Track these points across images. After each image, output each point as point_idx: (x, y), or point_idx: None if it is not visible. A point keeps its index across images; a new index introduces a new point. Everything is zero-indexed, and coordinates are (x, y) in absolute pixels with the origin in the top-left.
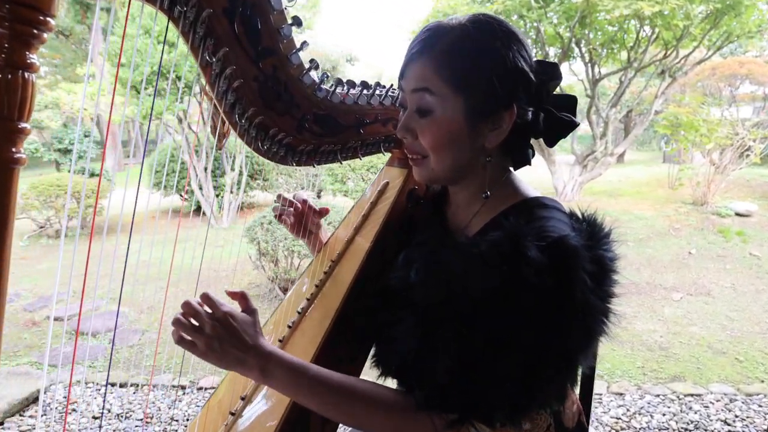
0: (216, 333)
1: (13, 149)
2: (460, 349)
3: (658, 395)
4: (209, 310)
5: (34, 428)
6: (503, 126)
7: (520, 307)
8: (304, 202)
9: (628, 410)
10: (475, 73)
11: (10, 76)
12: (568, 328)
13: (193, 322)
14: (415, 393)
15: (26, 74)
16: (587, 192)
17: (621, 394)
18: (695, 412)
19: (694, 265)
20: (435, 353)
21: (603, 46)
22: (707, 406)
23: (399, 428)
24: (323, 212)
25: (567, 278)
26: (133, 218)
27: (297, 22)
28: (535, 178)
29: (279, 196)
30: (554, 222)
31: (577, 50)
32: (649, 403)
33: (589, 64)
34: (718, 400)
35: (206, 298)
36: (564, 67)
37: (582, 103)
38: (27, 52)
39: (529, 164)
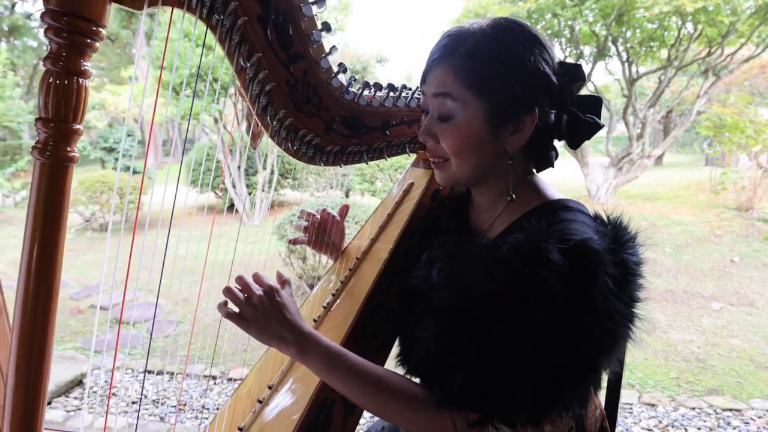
0: (262, 305)
1: (68, 148)
2: (479, 351)
3: (693, 408)
4: (258, 286)
5: (79, 409)
6: (525, 129)
7: (540, 309)
8: (324, 210)
9: (660, 422)
10: (496, 77)
11: (66, 83)
12: (589, 331)
13: (241, 295)
14: (434, 391)
15: (80, 80)
16: (622, 195)
17: (653, 405)
18: (734, 428)
19: (737, 274)
20: (454, 354)
21: (641, 44)
22: (747, 423)
23: (421, 423)
24: (343, 211)
25: (589, 281)
26: (172, 214)
27: (326, 27)
28: (567, 180)
29: (302, 212)
30: (577, 225)
31: (613, 49)
32: (683, 416)
33: (626, 63)
34: (760, 417)
35: (256, 276)
36: (599, 66)
37: (618, 103)
38: (81, 60)
39: (552, 166)
